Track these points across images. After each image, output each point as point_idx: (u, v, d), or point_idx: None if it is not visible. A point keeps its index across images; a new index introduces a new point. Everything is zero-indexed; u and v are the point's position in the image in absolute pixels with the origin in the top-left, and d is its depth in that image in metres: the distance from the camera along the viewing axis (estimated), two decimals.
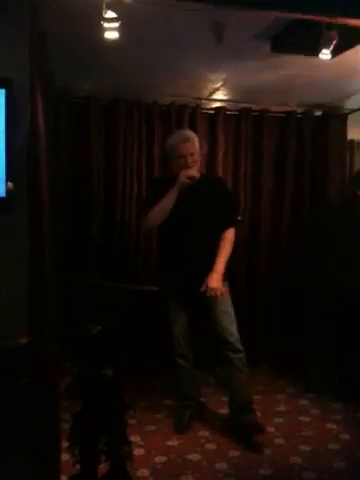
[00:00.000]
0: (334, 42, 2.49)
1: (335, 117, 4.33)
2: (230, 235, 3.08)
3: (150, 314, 3.53)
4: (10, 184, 1.86)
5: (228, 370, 3.09)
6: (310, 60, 2.94)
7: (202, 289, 2.91)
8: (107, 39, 2.43)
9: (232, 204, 3.40)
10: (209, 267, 2.97)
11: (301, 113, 4.33)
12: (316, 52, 2.62)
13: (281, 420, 3.35)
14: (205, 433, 3.14)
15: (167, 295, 3.18)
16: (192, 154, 2.99)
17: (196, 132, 3.96)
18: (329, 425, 3.28)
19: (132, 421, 3.01)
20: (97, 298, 2.15)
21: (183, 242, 3.00)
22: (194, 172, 2.96)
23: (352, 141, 4.48)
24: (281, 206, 4.34)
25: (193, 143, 3.03)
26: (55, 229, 2.43)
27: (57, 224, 2.83)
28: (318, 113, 4.38)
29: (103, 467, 2.09)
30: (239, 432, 3.03)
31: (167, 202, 2.95)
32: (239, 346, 3.02)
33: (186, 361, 3.19)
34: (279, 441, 3.06)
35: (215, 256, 2.99)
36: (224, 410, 3.29)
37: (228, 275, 3.06)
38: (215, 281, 2.92)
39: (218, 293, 2.92)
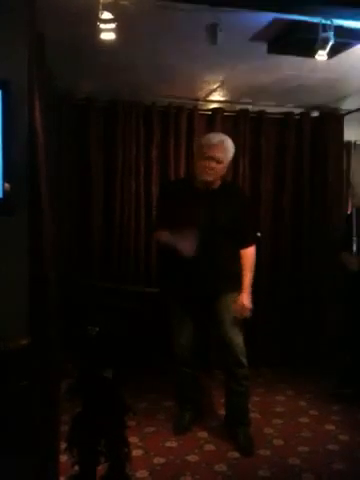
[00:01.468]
0: (330, 43, 2.50)
1: (332, 118, 4.34)
2: (251, 253, 3.01)
3: (151, 316, 3.52)
4: (7, 185, 1.86)
5: (227, 381, 3.07)
6: (306, 61, 2.95)
7: (235, 311, 2.92)
8: (104, 40, 2.44)
9: (251, 220, 3.25)
10: (216, 274, 2.91)
11: (298, 114, 4.34)
12: (312, 53, 2.62)
13: (280, 421, 3.35)
14: (204, 434, 3.14)
15: (172, 302, 3.09)
16: (213, 158, 2.86)
17: (193, 133, 4.02)
18: (328, 426, 3.29)
19: (131, 422, 3.01)
20: (97, 299, 2.14)
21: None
22: (209, 177, 2.88)
23: (349, 142, 4.50)
24: (280, 207, 4.34)
25: (216, 149, 2.87)
26: (55, 229, 2.43)
27: (57, 224, 2.83)
28: (315, 114, 4.39)
29: (102, 468, 2.09)
30: (233, 440, 3.03)
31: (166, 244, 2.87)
32: (243, 360, 2.97)
33: (189, 368, 3.16)
34: (278, 442, 3.06)
35: (224, 264, 2.93)
36: (223, 411, 3.27)
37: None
38: (246, 300, 2.94)
39: (248, 312, 2.95)
